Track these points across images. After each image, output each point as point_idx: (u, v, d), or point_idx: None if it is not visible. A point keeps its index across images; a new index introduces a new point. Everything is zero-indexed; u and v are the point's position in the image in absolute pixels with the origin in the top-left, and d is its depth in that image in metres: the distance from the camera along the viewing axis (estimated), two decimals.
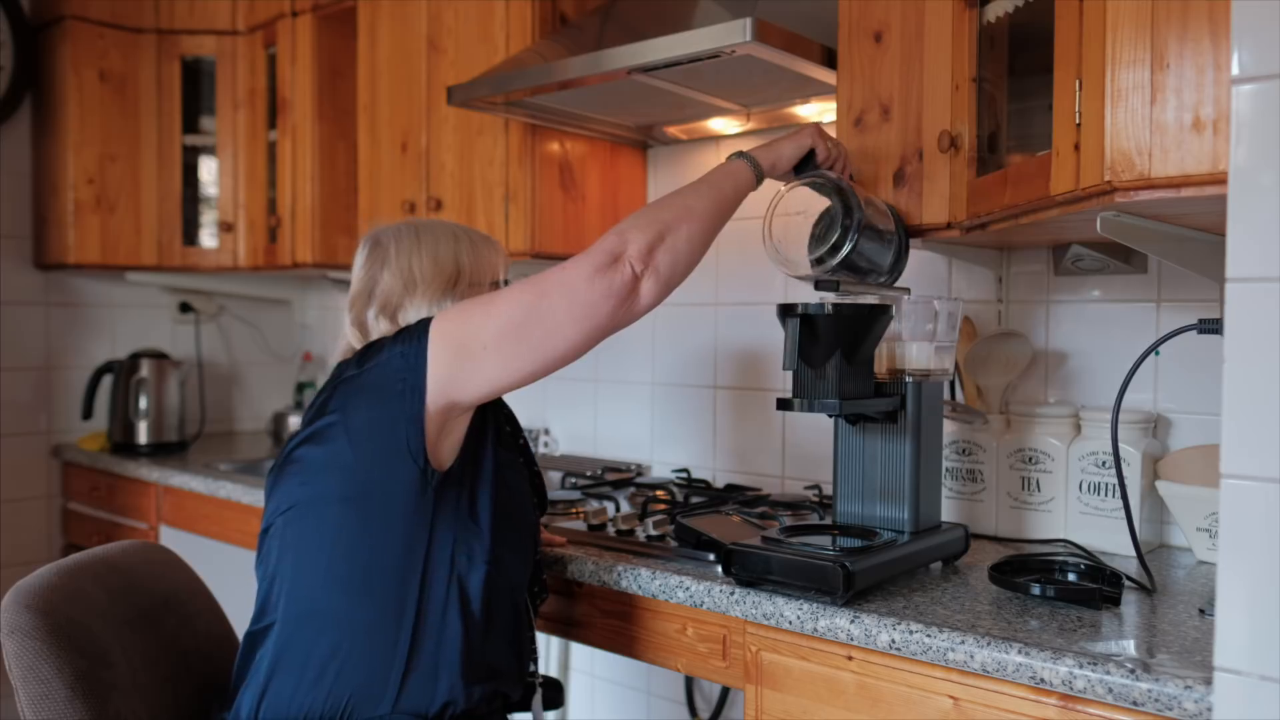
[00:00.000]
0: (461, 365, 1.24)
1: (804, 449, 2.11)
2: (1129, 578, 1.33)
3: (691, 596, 1.39)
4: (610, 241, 1.26)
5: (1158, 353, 1.61)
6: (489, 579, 1.28)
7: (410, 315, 1.37)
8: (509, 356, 1.24)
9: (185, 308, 3.21)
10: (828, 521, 1.55)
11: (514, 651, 1.34)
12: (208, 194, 3.03)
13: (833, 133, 1.55)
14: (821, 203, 1.45)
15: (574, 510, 1.80)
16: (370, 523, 1.24)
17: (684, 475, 2.18)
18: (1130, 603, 1.27)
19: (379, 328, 1.38)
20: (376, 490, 1.24)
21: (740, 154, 1.42)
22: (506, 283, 1.47)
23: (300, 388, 3.28)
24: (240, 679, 1.28)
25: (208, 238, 3.02)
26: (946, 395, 1.71)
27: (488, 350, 1.24)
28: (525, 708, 1.42)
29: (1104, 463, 1.56)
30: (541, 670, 2.51)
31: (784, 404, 1.40)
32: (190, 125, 2.99)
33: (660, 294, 1.28)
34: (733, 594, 1.35)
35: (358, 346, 1.38)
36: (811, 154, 1.47)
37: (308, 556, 1.25)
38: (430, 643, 1.23)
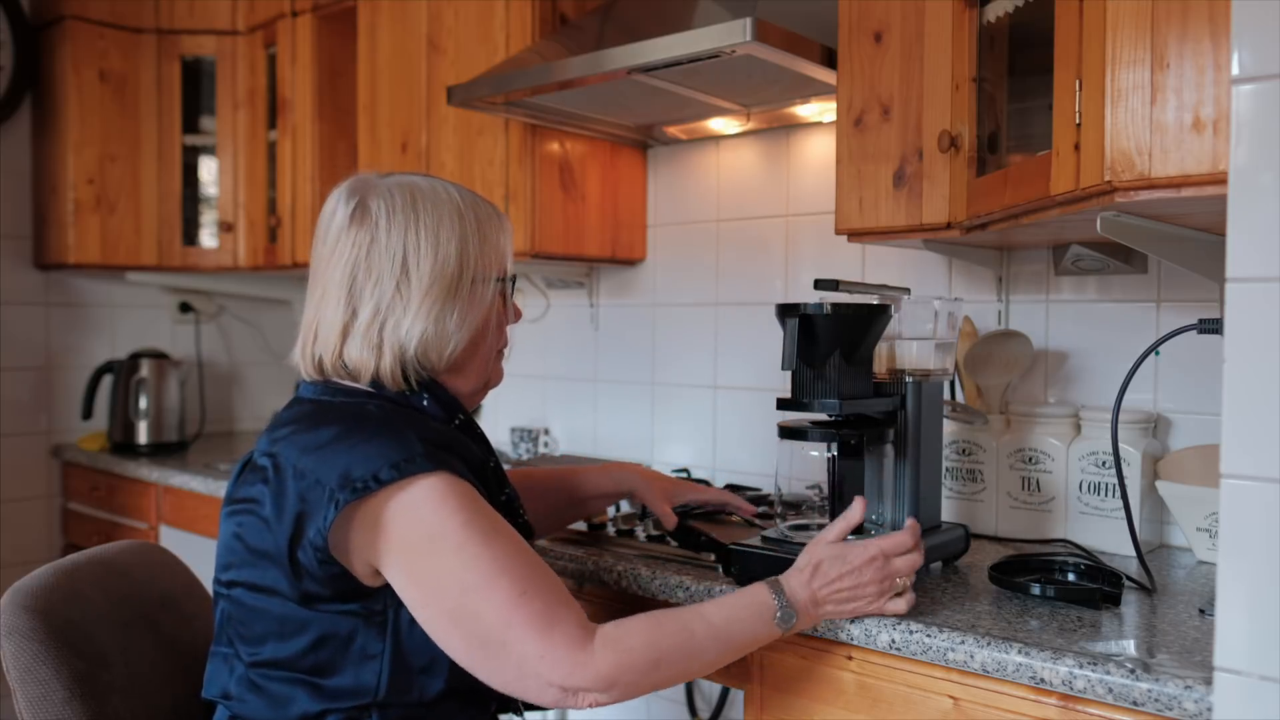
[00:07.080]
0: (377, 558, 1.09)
1: (804, 449, 2.10)
2: (1129, 578, 1.33)
3: (691, 596, 1.39)
4: (597, 678, 1.05)
5: (1158, 353, 1.60)
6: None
7: (404, 326, 1.16)
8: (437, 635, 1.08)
9: (185, 308, 3.21)
10: (828, 521, 1.55)
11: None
12: (208, 194, 3.03)
13: (832, 132, 1.52)
14: None
15: None
16: (315, 617, 1.12)
17: (684, 475, 2.18)
18: (1130, 603, 1.27)
19: (363, 356, 1.19)
20: (315, 598, 1.12)
21: (787, 611, 1.16)
22: (514, 280, 1.28)
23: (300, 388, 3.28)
24: None
25: (208, 238, 3.02)
26: (946, 395, 1.71)
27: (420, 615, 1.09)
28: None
29: (1104, 463, 1.56)
30: None
31: (784, 404, 1.39)
32: (190, 125, 2.99)
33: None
34: None
35: (324, 371, 1.25)
36: None
37: (257, 640, 1.15)
38: (408, 695, 1.14)
